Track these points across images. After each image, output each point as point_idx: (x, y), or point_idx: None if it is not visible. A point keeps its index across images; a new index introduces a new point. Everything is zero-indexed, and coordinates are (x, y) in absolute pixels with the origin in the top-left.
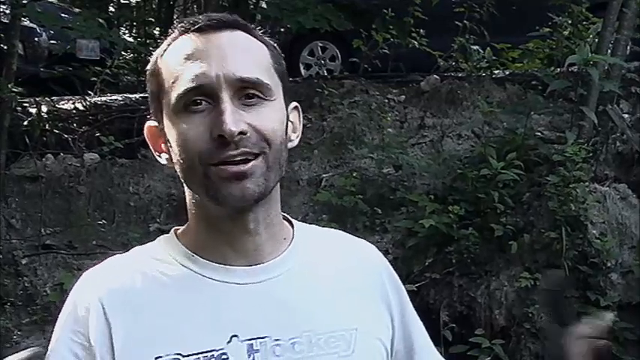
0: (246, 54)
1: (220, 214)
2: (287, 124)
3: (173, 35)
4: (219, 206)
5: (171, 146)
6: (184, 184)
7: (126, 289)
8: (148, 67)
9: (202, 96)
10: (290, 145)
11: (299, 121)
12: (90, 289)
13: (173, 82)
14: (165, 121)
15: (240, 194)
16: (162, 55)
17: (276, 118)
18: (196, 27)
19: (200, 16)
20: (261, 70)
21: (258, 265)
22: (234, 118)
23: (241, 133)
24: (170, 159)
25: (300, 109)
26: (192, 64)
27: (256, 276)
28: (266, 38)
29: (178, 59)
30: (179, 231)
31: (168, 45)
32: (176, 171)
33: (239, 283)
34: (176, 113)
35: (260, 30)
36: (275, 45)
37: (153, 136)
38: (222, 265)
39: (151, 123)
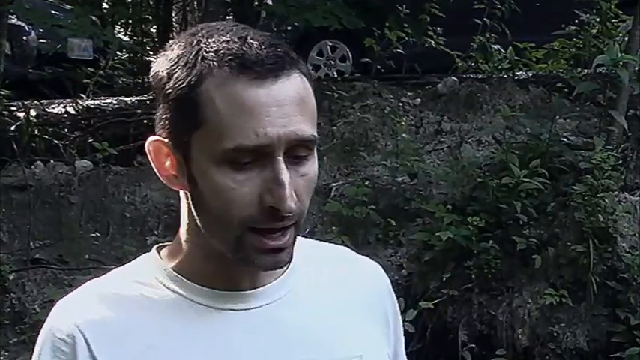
0: (303, 107)
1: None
2: None
3: (211, 63)
4: (246, 266)
5: (196, 184)
6: (201, 223)
7: (109, 319)
8: (177, 84)
9: (254, 154)
10: None
11: None
12: (69, 320)
13: (222, 130)
14: (198, 159)
15: (272, 264)
16: (200, 84)
17: (315, 174)
18: (255, 69)
19: (249, 47)
20: (313, 124)
21: (254, 290)
22: (291, 192)
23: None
24: (176, 177)
25: None
26: (252, 119)
27: (253, 301)
28: (306, 68)
29: (232, 106)
30: (164, 250)
31: (209, 71)
32: (183, 195)
33: (234, 309)
34: (218, 162)
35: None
36: (310, 72)
37: (160, 155)
38: (215, 290)
39: (159, 139)
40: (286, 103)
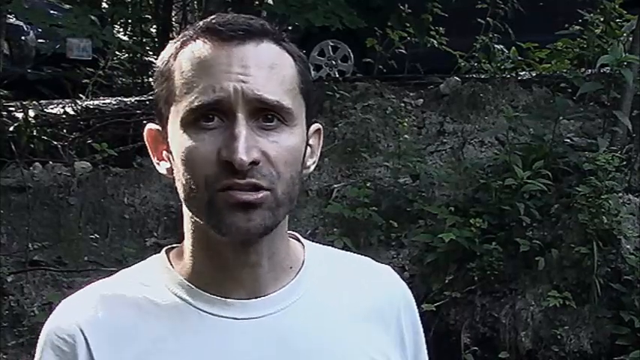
0: (271, 71)
1: (221, 241)
2: (305, 150)
3: (189, 34)
4: (221, 236)
5: (173, 159)
6: (184, 204)
7: (110, 321)
8: (158, 64)
9: (216, 112)
10: (305, 172)
11: (318, 145)
12: (71, 320)
13: (186, 92)
14: (171, 130)
15: (245, 226)
16: (175, 56)
17: (294, 147)
18: (221, 35)
19: (223, 18)
20: (284, 92)
21: (260, 298)
22: (247, 145)
23: (253, 162)
24: (170, 169)
25: (322, 132)
26: (210, 76)
27: (255, 310)
28: (295, 50)
29: (195, 67)
30: (172, 252)
31: (183, 44)
32: (175, 184)
33: (236, 317)
34: (184, 126)
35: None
36: (304, 57)
37: (154, 141)
38: (218, 298)
39: (152, 126)
40: (251, 65)
